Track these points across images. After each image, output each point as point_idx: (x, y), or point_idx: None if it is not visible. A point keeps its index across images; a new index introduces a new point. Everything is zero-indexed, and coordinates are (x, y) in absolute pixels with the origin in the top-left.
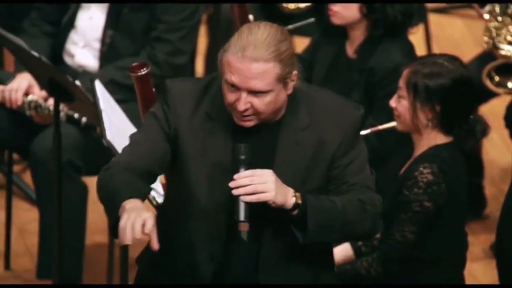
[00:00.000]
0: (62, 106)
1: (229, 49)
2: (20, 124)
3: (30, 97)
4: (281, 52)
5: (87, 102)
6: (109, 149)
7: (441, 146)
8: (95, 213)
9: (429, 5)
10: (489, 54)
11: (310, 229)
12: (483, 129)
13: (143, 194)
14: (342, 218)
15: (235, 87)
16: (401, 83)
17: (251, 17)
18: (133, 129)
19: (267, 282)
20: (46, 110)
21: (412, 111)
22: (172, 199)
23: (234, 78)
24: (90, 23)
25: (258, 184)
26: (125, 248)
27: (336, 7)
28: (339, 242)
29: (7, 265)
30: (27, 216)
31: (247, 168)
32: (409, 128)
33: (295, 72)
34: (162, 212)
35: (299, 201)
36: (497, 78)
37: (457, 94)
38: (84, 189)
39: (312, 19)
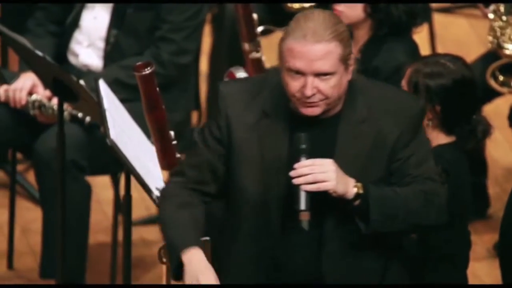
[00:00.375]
0: (66, 106)
1: (289, 36)
2: (24, 123)
3: (34, 97)
4: (340, 32)
5: (91, 102)
6: (113, 149)
7: (443, 146)
8: (98, 212)
9: (434, 5)
10: (494, 54)
11: (372, 219)
12: (485, 129)
13: (201, 233)
14: (405, 208)
15: (300, 73)
16: (403, 82)
17: (255, 16)
18: (137, 129)
19: (330, 274)
20: (50, 110)
21: None
22: (230, 201)
23: (298, 63)
24: (95, 22)
25: (318, 173)
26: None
27: (340, 7)
28: (403, 232)
29: (10, 265)
30: (31, 216)
31: (307, 158)
32: None
33: (353, 54)
34: (225, 217)
35: (361, 191)
36: (501, 78)
37: (457, 94)
38: (88, 189)
39: None
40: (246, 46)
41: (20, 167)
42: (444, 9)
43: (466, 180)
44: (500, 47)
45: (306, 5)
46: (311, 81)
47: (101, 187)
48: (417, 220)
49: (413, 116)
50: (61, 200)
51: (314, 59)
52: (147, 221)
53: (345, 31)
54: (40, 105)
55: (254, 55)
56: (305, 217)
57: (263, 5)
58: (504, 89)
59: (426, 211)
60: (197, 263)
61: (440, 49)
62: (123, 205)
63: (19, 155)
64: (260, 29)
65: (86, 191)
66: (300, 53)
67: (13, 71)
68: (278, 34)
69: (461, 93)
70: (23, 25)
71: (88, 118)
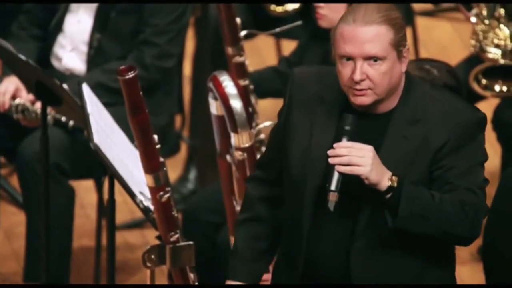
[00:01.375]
0: (49, 110)
1: (341, 22)
2: (6, 127)
3: (17, 101)
4: (392, 18)
5: (75, 106)
6: (97, 153)
7: None
8: (82, 216)
9: (417, 8)
10: (477, 57)
11: (400, 215)
12: None
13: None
14: (438, 212)
15: (350, 59)
16: None
17: (238, 20)
18: (120, 133)
19: (358, 270)
20: (33, 114)
21: None
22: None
23: (347, 48)
24: (78, 26)
25: (355, 157)
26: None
27: (323, 10)
28: (434, 237)
29: None
30: (14, 220)
31: (349, 140)
32: None
33: (407, 46)
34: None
35: (395, 185)
36: (484, 81)
37: None
38: (71, 193)
39: (299, 22)
40: (230, 50)
41: (3, 171)
42: (427, 12)
43: None
44: (483, 50)
45: (289, 8)
46: (360, 64)
47: (85, 191)
48: (449, 228)
49: (466, 124)
50: (45, 204)
51: (364, 41)
52: (131, 225)
53: (399, 17)
54: (24, 109)
55: (238, 59)
56: (333, 198)
57: (246, 9)
58: (487, 93)
59: (460, 221)
60: None
61: (423, 53)
62: (106, 209)
63: (2, 159)
64: (243, 33)
65: (70, 195)
66: (350, 37)
67: None
68: (261, 38)
69: None
70: (6, 29)
71: (71, 122)
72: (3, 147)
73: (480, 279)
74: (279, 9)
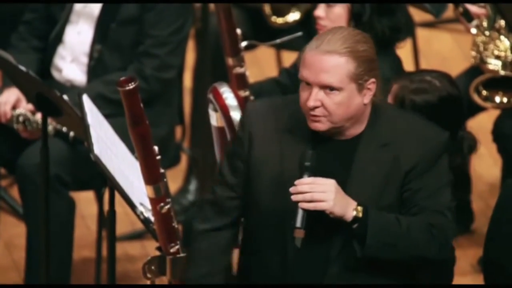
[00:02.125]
0: (50, 120)
1: (307, 46)
2: (7, 138)
3: (18, 111)
4: (356, 50)
5: (75, 117)
6: (97, 164)
7: None
8: (83, 227)
9: (417, 19)
10: (477, 69)
11: (368, 244)
12: (471, 145)
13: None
14: (405, 238)
15: (309, 84)
16: (389, 98)
17: (238, 31)
18: (121, 144)
19: None
20: (34, 124)
21: None
22: (247, 213)
23: (305, 73)
24: (78, 37)
25: (317, 193)
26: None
27: (324, 22)
28: (402, 262)
29: None
30: (14, 231)
31: (310, 176)
32: None
33: (373, 79)
34: (244, 228)
35: (360, 215)
36: (484, 93)
37: (443, 112)
38: (72, 204)
39: (300, 33)
40: (230, 61)
41: (3, 182)
42: (428, 23)
43: None
44: (483, 62)
45: (290, 19)
46: (316, 92)
47: (85, 202)
48: (417, 252)
49: (434, 148)
50: (45, 215)
51: (320, 70)
52: (132, 237)
53: (365, 51)
54: (25, 119)
55: (238, 70)
56: (299, 235)
57: (246, 20)
58: (487, 104)
59: (428, 244)
60: None
61: (423, 64)
62: (107, 220)
63: (2, 170)
64: (244, 44)
65: (70, 206)
66: (309, 62)
67: None
68: (261, 49)
69: (446, 110)
70: (6, 40)
71: (72, 133)
72: (4, 158)
73: None
74: (279, 20)
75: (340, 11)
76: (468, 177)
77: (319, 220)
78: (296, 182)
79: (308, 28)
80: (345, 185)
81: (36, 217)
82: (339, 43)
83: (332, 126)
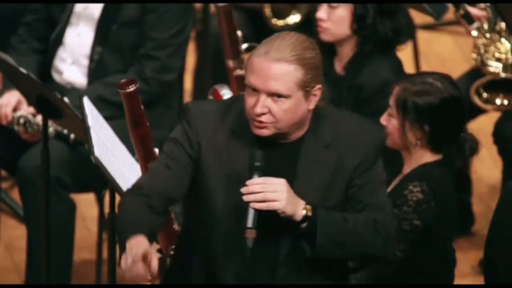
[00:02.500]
0: (51, 122)
1: (255, 52)
2: (7, 140)
3: (19, 113)
4: (304, 58)
5: (76, 119)
6: (97, 166)
7: (430, 164)
8: (83, 229)
9: (418, 22)
10: (478, 71)
11: (318, 243)
12: (472, 146)
13: (150, 229)
14: (352, 235)
15: (256, 90)
16: (391, 101)
17: (239, 33)
18: (121, 146)
19: None
20: (35, 126)
21: (401, 130)
22: (192, 216)
23: (253, 79)
24: (79, 40)
25: (269, 192)
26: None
27: (326, 24)
28: (350, 259)
29: None
30: (15, 233)
31: (260, 176)
32: (399, 146)
33: (319, 86)
34: (184, 230)
35: (309, 214)
36: (485, 95)
37: (445, 113)
38: (72, 206)
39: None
40: (230, 63)
41: (4, 185)
42: (428, 26)
43: (452, 198)
44: (484, 64)
45: (290, 21)
46: (263, 99)
47: (86, 204)
48: (363, 248)
49: (375, 145)
50: (45, 217)
51: (269, 77)
52: None
53: (313, 58)
54: (26, 121)
55: (238, 72)
56: (250, 235)
57: (247, 23)
58: (488, 106)
59: (374, 240)
60: (137, 240)
61: (424, 66)
62: (107, 223)
63: (3, 172)
64: (244, 46)
65: (71, 208)
66: (258, 69)
67: None
68: None
69: (449, 111)
70: (7, 41)
71: (72, 135)
72: (4, 160)
73: None
74: (280, 22)
75: (342, 13)
76: (469, 179)
77: (269, 220)
78: (248, 182)
79: (308, 30)
80: (291, 187)
81: (37, 219)
82: (287, 51)
83: (277, 132)
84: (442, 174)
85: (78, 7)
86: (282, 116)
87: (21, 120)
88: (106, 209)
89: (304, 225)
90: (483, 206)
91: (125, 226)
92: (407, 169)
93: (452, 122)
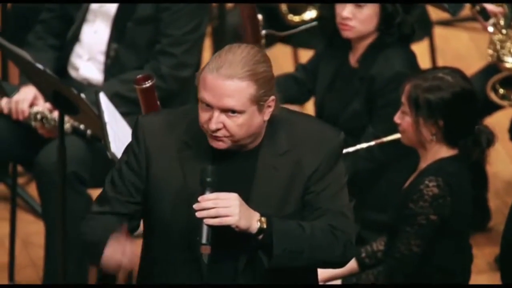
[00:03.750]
0: (68, 118)
1: (206, 67)
2: (24, 136)
3: (36, 108)
4: (257, 73)
5: (92, 115)
6: (114, 162)
7: (446, 159)
8: None
9: (434, 18)
10: (494, 67)
11: (275, 254)
12: (489, 138)
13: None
14: (310, 243)
15: (209, 106)
16: (403, 98)
17: (260, 16)
18: None
19: None
20: (52, 121)
21: (415, 126)
22: (146, 226)
23: (207, 96)
24: (95, 36)
25: (221, 208)
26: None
27: (352, 22)
28: (308, 267)
29: (11, 278)
30: (32, 229)
31: (212, 191)
32: (414, 143)
33: (272, 97)
34: (144, 242)
35: (264, 226)
36: (501, 91)
37: (459, 107)
38: (89, 201)
39: (314, 23)
40: None
41: (21, 180)
42: (445, 22)
43: (468, 193)
44: (500, 60)
45: (306, 17)
46: (217, 115)
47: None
48: (322, 256)
49: (332, 149)
50: (63, 213)
51: (223, 94)
52: None
53: (265, 72)
54: (42, 117)
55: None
56: (205, 251)
57: (263, 18)
58: (504, 102)
59: (333, 247)
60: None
61: (440, 62)
62: None
63: (19, 168)
64: (263, 32)
65: (88, 203)
66: (211, 86)
67: (13, 84)
68: (279, 47)
69: (462, 105)
70: (24, 38)
71: (89, 131)
72: (21, 156)
73: None
74: (296, 18)
75: (369, 12)
76: (485, 175)
77: (224, 234)
78: (200, 198)
79: (323, 25)
80: (248, 196)
81: (54, 214)
82: (239, 66)
83: (234, 144)
84: (458, 169)
85: (94, 4)
86: (237, 131)
87: (38, 116)
88: None
89: (260, 237)
90: (499, 202)
91: (95, 238)
92: (423, 164)
93: (466, 115)
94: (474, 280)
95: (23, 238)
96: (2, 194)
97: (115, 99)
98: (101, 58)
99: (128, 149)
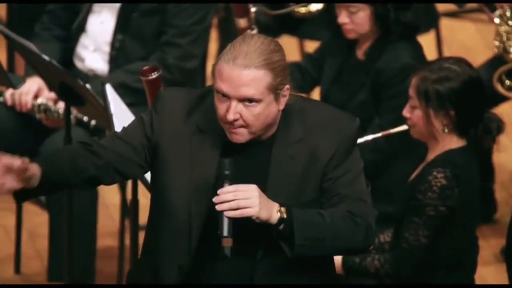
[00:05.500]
0: (71, 109)
1: (222, 58)
2: (29, 127)
3: (39, 100)
4: (272, 61)
5: (98, 106)
6: None
7: (454, 150)
8: (106, 217)
9: (440, 9)
10: (500, 58)
11: (297, 244)
12: (498, 126)
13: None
14: (331, 231)
15: (226, 97)
16: (411, 92)
17: (253, 9)
18: None
19: None
20: (55, 114)
21: (426, 119)
22: (152, 206)
23: (224, 87)
24: (101, 27)
25: (241, 200)
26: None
27: (349, 26)
28: (331, 255)
29: (17, 269)
30: (37, 220)
31: (231, 183)
32: (424, 136)
33: (287, 86)
34: (148, 219)
35: (285, 216)
36: (508, 82)
37: (468, 95)
38: (94, 192)
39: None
40: (241, 22)
41: None
42: (451, 13)
43: (476, 185)
44: (506, 51)
45: (312, 9)
46: (235, 105)
47: (108, 191)
48: (344, 243)
49: (348, 135)
50: (68, 204)
51: (240, 84)
52: None
53: (280, 60)
54: (46, 109)
55: (250, 32)
56: (227, 244)
57: (269, 10)
58: (510, 94)
59: (353, 234)
60: None
61: (446, 54)
62: (130, 210)
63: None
64: (253, 9)
65: (93, 195)
66: (228, 76)
67: (20, 75)
68: (284, 38)
69: (472, 93)
70: (30, 29)
71: (93, 122)
72: (26, 147)
73: (504, 279)
74: (302, 10)
75: (363, 15)
76: (491, 166)
77: (243, 226)
78: (219, 191)
79: (330, 16)
80: (264, 186)
81: (59, 206)
82: (255, 56)
83: (252, 136)
84: (466, 161)
85: None
86: (255, 120)
87: (42, 108)
88: (129, 196)
89: (280, 227)
90: (505, 193)
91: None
92: (431, 156)
93: (476, 103)
94: (480, 271)
95: (29, 230)
96: None
97: (121, 89)
98: (107, 48)
99: (145, 114)
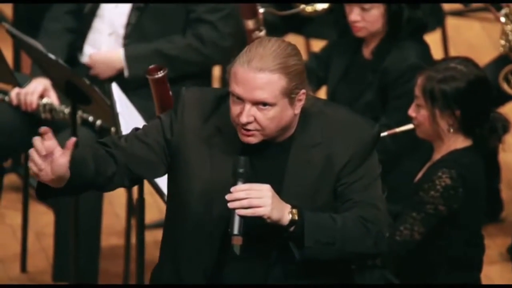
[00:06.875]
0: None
1: (237, 60)
2: (36, 127)
3: (45, 100)
4: (288, 66)
5: (104, 105)
6: None
7: (460, 150)
8: (112, 215)
9: (446, 8)
10: (506, 57)
11: (306, 246)
12: (504, 125)
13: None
14: (341, 235)
15: (240, 99)
16: (417, 91)
17: (261, 10)
18: None
19: None
20: (60, 113)
21: (432, 119)
22: (171, 211)
23: (238, 89)
24: (116, 11)
25: (254, 199)
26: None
27: (360, 24)
28: (340, 260)
29: (23, 268)
30: (44, 219)
31: (245, 182)
32: (430, 135)
33: (303, 90)
34: (165, 224)
35: (296, 218)
36: None
37: (474, 95)
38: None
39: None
40: (249, 24)
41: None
42: (457, 12)
43: (482, 185)
44: None
45: (319, 8)
46: (248, 108)
47: (114, 190)
48: (354, 248)
49: (365, 141)
50: (74, 203)
51: (254, 87)
52: (160, 224)
53: (296, 65)
54: (51, 109)
55: (258, 34)
56: (237, 242)
57: (276, 9)
58: None
59: (364, 239)
60: None
61: (452, 53)
62: (136, 208)
63: None
64: (261, 10)
65: (98, 194)
66: (242, 79)
67: (25, 74)
68: (290, 38)
69: (478, 93)
70: (36, 28)
71: (99, 122)
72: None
73: (510, 278)
74: (308, 9)
75: (376, 13)
76: (497, 165)
77: (255, 226)
78: (232, 189)
79: (337, 15)
80: (279, 188)
81: (65, 204)
82: (270, 59)
83: (264, 138)
84: (472, 161)
85: None
86: (268, 124)
87: (47, 108)
88: (135, 195)
89: (291, 229)
90: (511, 193)
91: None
92: (437, 155)
93: (482, 103)
94: (486, 270)
95: (35, 229)
96: (15, 184)
97: (155, 57)
98: (122, 31)
99: (165, 115)
